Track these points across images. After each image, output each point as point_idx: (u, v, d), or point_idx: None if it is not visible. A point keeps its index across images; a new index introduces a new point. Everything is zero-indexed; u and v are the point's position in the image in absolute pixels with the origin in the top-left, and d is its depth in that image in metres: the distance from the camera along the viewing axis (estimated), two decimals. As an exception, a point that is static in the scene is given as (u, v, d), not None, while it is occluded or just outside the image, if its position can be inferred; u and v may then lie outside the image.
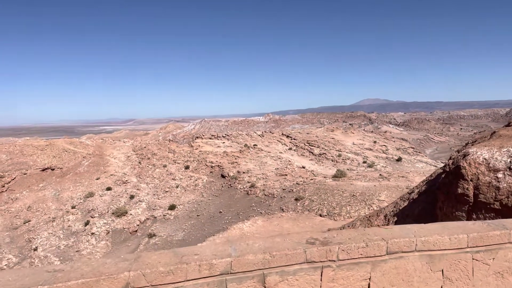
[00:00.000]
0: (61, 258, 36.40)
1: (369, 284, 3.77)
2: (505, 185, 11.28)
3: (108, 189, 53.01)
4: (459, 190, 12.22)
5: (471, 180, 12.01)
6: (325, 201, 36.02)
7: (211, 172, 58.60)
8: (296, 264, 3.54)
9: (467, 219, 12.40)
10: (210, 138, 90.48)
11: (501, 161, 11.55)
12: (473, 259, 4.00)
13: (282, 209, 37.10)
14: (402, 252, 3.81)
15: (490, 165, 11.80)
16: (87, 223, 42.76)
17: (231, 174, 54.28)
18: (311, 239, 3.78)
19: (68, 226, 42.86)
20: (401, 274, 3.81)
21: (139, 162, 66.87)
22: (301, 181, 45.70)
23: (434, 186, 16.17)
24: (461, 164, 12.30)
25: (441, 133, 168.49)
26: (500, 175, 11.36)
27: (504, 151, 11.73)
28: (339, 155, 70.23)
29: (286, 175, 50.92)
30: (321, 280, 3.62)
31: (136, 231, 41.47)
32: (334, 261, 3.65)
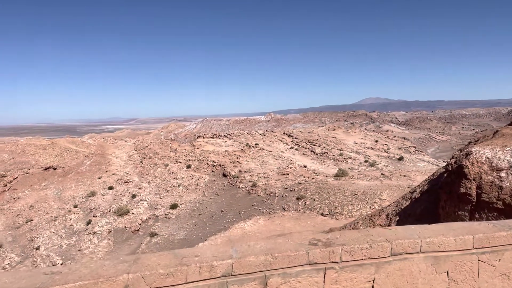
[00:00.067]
0: (63, 257, 36.44)
1: (373, 286, 3.70)
2: (508, 184, 11.20)
3: (110, 188, 53.04)
4: (462, 190, 12.14)
5: (473, 180, 11.93)
6: (326, 200, 35.93)
7: (212, 171, 58.57)
8: (299, 265, 3.48)
9: (470, 219, 12.33)
10: (211, 138, 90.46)
11: (504, 160, 11.46)
12: (478, 260, 3.93)
13: (284, 208, 37.03)
14: (407, 253, 3.74)
15: (493, 164, 11.71)
16: (89, 222, 42.79)
17: (233, 173, 54.25)
18: (314, 240, 3.71)
19: (70, 225, 42.90)
20: (406, 276, 3.74)
21: (141, 161, 66.89)
22: (302, 180, 45.62)
23: (437, 186, 16.08)
24: (464, 163, 12.22)
25: (442, 132, 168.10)
26: (503, 174, 11.28)
27: (507, 150, 11.64)
28: (341, 154, 70.11)
29: (288, 174, 50.84)
30: (324, 282, 3.55)
31: (138, 230, 41.47)
32: (337, 262, 3.58)
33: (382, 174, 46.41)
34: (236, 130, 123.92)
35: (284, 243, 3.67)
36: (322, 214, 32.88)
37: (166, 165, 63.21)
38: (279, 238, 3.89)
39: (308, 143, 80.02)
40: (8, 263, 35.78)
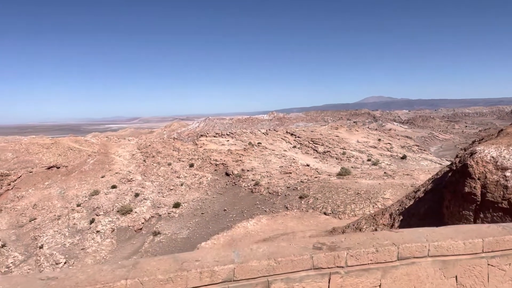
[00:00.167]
0: (67, 256, 36.50)
1: None
2: (514, 183, 11.06)
3: (113, 187, 53.09)
4: (466, 189, 12.00)
5: (478, 179, 11.80)
6: (329, 199, 35.79)
7: (215, 170, 58.53)
8: (303, 270, 3.36)
9: (475, 218, 12.20)
10: (214, 136, 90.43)
11: (509, 159, 11.32)
12: (488, 264, 3.81)
13: (287, 207, 36.93)
14: (414, 257, 3.62)
15: (498, 163, 11.57)
16: (92, 221, 42.83)
17: (236, 172, 54.17)
18: (318, 244, 3.60)
19: (74, 224, 42.96)
20: (413, 280, 3.62)
21: (144, 160, 66.94)
22: (305, 179, 45.48)
23: (441, 185, 15.95)
24: (468, 163, 12.08)
25: (445, 130, 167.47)
26: (508, 173, 11.13)
27: (513, 149, 11.50)
28: (344, 153, 69.90)
29: (291, 173, 50.72)
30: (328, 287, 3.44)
31: (141, 229, 41.48)
32: (342, 267, 3.46)
33: (385, 173, 46.20)
34: (239, 129, 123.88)
35: (288, 247, 3.56)
36: (325, 213, 32.76)
37: (169, 164, 63.21)
38: (282, 241, 3.77)
39: (310, 142, 79.83)
40: (12, 262, 35.89)
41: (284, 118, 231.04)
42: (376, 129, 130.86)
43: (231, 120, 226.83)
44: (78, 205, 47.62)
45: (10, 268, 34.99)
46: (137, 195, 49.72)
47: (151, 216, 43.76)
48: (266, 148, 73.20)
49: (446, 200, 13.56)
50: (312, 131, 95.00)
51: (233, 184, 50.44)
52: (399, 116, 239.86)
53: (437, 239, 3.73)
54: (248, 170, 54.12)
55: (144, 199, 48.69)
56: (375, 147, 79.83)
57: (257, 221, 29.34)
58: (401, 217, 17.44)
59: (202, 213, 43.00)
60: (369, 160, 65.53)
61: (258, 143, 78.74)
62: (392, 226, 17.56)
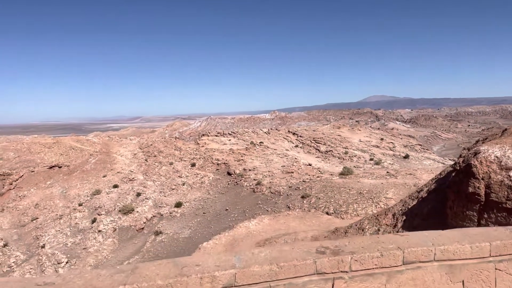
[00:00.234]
0: (68, 255, 36.52)
1: None
2: (518, 184, 10.95)
3: (115, 186, 53.11)
4: (470, 189, 11.91)
5: (482, 179, 11.70)
6: (331, 198, 35.69)
7: (217, 169, 58.47)
8: (306, 275, 3.27)
9: (478, 219, 12.10)
10: (216, 136, 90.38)
11: (514, 160, 11.23)
12: (496, 269, 3.71)
13: (289, 207, 36.84)
14: (420, 262, 3.53)
15: (502, 163, 11.47)
16: (94, 221, 42.85)
17: (237, 171, 54.10)
18: (321, 248, 3.51)
19: (75, 224, 42.99)
20: (419, 285, 3.53)
21: (146, 160, 66.94)
22: (307, 179, 45.37)
23: (444, 185, 15.84)
24: (472, 163, 11.99)
25: (448, 130, 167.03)
26: (513, 173, 11.04)
27: (517, 149, 11.38)
28: (346, 152, 69.74)
29: (293, 172, 50.61)
30: (332, 293, 3.35)
31: (142, 228, 41.48)
32: (346, 272, 3.38)
33: (387, 172, 46.05)
34: (241, 128, 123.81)
35: (290, 251, 3.47)
36: (327, 213, 32.66)
37: (171, 164, 63.19)
38: (284, 245, 3.71)
39: (313, 141, 79.69)
40: (13, 261, 35.94)
41: (286, 117, 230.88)
42: (378, 128, 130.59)
43: (233, 119, 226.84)
44: (80, 205, 47.65)
45: (12, 267, 35.04)
46: (138, 194, 49.71)
47: (153, 216, 43.75)
48: (268, 147, 73.10)
49: (449, 200, 13.46)
50: (314, 131, 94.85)
51: (235, 183, 50.38)
52: (401, 115, 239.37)
53: (443, 243, 3.64)
54: (250, 170, 54.04)
55: (145, 198, 48.68)
56: (378, 147, 79.62)
57: (259, 221, 29.27)
58: (404, 217, 17.35)
59: (204, 213, 42.96)
60: (371, 159, 65.34)
61: (260, 142, 78.64)
62: (395, 226, 17.46)
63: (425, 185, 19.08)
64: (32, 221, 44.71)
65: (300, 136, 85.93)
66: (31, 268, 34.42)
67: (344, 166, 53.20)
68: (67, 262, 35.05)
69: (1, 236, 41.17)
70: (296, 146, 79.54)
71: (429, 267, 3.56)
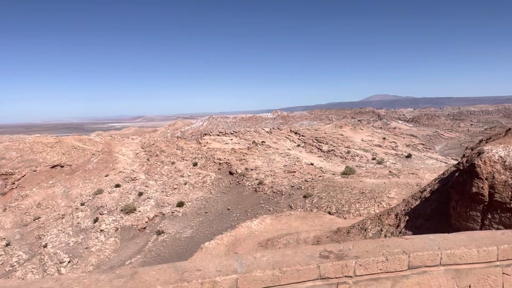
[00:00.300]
0: (71, 255, 36.57)
1: None
2: (523, 184, 10.86)
3: (117, 186, 53.15)
4: (474, 189, 11.82)
5: (486, 179, 11.60)
6: (334, 198, 35.60)
7: (219, 169, 58.44)
8: (309, 280, 3.20)
9: (482, 219, 12.01)
10: (218, 135, 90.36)
11: (518, 159, 11.13)
12: (503, 273, 3.63)
13: (291, 207, 36.78)
14: (426, 266, 3.45)
15: (506, 163, 11.37)
16: (96, 220, 42.89)
17: (239, 171, 54.05)
18: (325, 252, 3.44)
19: (78, 223, 43.04)
20: (424, 290, 3.46)
21: (148, 159, 66.96)
22: (309, 178, 45.28)
23: (447, 185, 15.74)
24: (476, 162, 11.89)
25: (451, 129, 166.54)
26: (517, 174, 10.94)
27: (522, 149, 11.28)
28: (348, 152, 69.58)
29: (295, 172, 50.52)
30: (336, 298, 3.28)
31: (144, 228, 41.49)
32: (350, 277, 3.30)
33: (390, 172, 45.91)
34: (243, 128, 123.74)
35: (293, 255, 3.40)
36: (329, 213, 32.57)
37: (173, 163, 63.19)
38: (287, 249, 3.62)
39: (315, 141, 79.55)
40: (16, 261, 36.01)
41: (288, 116, 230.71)
42: (381, 128, 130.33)
43: (235, 118, 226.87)
44: (82, 204, 47.71)
45: (15, 267, 35.11)
46: (140, 194, 49.74)
47: (155, 215, 43.76)
48: (270, 147, 73.03)
49: (453, 200, 13.38)
50: (316, 130, 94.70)
51: (237, 183, 50.34)
52: (404, 115, 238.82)
53: (449, 247, 3.56)
54: (252, 169, 53.98)
55: (147, 198, 48.69)
56: (380, 146, 79.41)
57: (261, 221, 29.21)
58: (407, 218, 17.26)
59: (205, 212, 42.94)
60: (374, 159, 65.16)
61: (262, 142, 78.57)
62: (398, 226, 17.38)
63: (428, 185, 18.98)
64: (34, 220, 44.79)
65: (302, 136, 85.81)
66: (33, 268, 34.47)
67: (346, 166, 53.08)
68: (69, 262, 35.10)
69: (4, 235, 41.26)
70: (298, 145, 79.43)
71: (435, 272, 3.48)
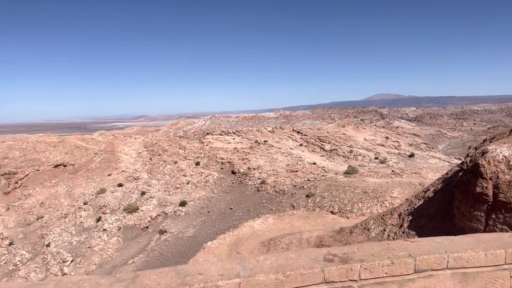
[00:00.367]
0: (73, 254, 36.65)
1: None
2: (528, 185, 10.76)
3: (120, 185, 53.22)
4: (478, 189, 11.72)
5: (490, 179, 11.51)
6: (336, 197, 35.51)
7: (221, 168, 58.42)
8: (313, 284, 3.13)
9: (486, 219, 11.92)
10: (220, 134, 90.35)
11: (523, 159, 11.04)
12: (511, 277, 3.56)
13: (293, 206, 36.71)
14: (432, 270, 3.38)
15: (511, 163, 11.27)
16: (99, 219, 42.98)
17: (242, 170, 54.01)
18: (329, 255, 3.38)
19: (80, 222, 43.14)
20: (431, 295, 3.39)
21: (150, 159, 67.02)
22: (312, 178, 45.19)
23: (451, 184, 15.64)
24: (480, 162, 11.79)
25: (454, 128, 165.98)
26: (522, 173, 10.84)
27: (527, 149, 11.18)
28: (351, 151, 69.42)
29: (297, 171, 50.44)
30: (340, 302, 3.22)
31: (147, 227, 41.53)
32: (355, 281, 3.24)
33: (392, 171, 45.75)
34: (245, 127, 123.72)
35: (297, 258, 3.34)
36: (332, 212, 32.49)
37: (175, 162, 63.22)
38: (291, 252, 3.57)
39: (317, 140, 79.41)
40: (19, 260, 36.12)
41: (290, 116, 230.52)
42: (383, 127, 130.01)
43: (237, 118, 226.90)
44: (85, 203, 47.81)
45: (18, 266, 35.22)
46: (143, 193, 49.79)
47: (158, 215, 43.80)
48: (272, 146, 72.94)
49: (456, 200, 13.28)
50: (318, 129, 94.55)
51: (239, 182, 50.31)
52: (406, 114, 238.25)
53: (456, 250, 3.49)
54: (254, 169, 53.93)
55: (150, 197, 48.74)
56: (383, 145, 79.20)
57: (264, 221, 29.17)
58: (410, 217, 17.17)
59: (208, 212, 42.94)
60: (376, 158, 64.99)
61: (264, 141, 78.50)
62: (401, 226, 17.29)
63: (431, 184, 18.87)
64: (37, 219, 44.92)
65: (305, 135, 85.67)
66: (36, 267, 34.56)
67: (349, 165, 52.95)
68: (72, 261, 35.18)
69: (7, 234, 41.41)
70: (301, 144, 79.31)
71: (441, 276, 3.41)
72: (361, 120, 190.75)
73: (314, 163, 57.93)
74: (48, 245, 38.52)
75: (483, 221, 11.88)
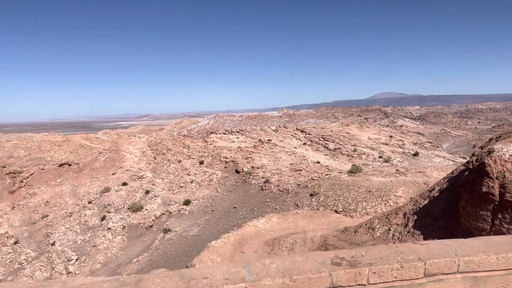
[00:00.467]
0: (78, 253, 36.80)
1: None
2: (536, 184, 10.63)
3: (124, 184, 53.37)
4: (484, 189, 11.61)
5: (496, 178, 11.39)
6: (340, 197, 35.39)
7: (225, 167, 58.43)
8: (320, 289, 3.07)
9: (492, 219, 11.81)
10: (224, 133, 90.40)
11: (530, 159, 10.91)
12: None
13: (297, 205, 36.63)
14: (442, 274, 3.30)
15: (517, 162, 11.15)
16: (103, 218, 43.12)
17: (246, 169, 53.99)
18: (337, 259, 3.31)
19: (85, 221, 43.31)
20: (441, 299, 3.31)
21: (154, 158, 67.17)
22: (316, 177, 45.09)
23: (457, 184, 15.51)
24: (486, 161, 11.67)
25: (458, 127, 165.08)
26: (529, 173, 10.72)
27: (534, 148, 11.05)
28: (355, 150, 69.24)
29: (301, 170, 50.35)
30: (348, 307, 3.15)
31: (151, 226, 41.62)
32: (364, 285, 3.16)
33: (397, 170, 45.56)
34: (249, 126, 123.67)
35: (303, 262, 3.27)
36: (336, 211, 32.39)
37: (179, 161, 63.32)
38: (297, 255, 3.50)
39: (321, 139, 79.26)
40: (24, 259, 36.29)
41: (294, 114, 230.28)
42: (387, 126, 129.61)
43: (241, 117, 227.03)
44: (90, 202, 47.99)
45: (23, 264, 35.39)
46: (147, 192, 49.90)
47: (162, 213, 43.88)
48: (276, 145, 72.87)
49: (462, 199, 13.17)
50: (322, 128, 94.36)
51: (243, 181, 50.29)
52: (410, 112, 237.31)
53: (467, 253, 3.40)
54: (258, 167, 53.90)
55: (154, 196, 48.84)
56: (387, 144, 78.93)
57: (268, 220, 29.12)
58: (415, 217, 17.05)
59: (212, 211, 42.96)
60: (380, 157, 64.78)
61: (268, 140, 78.45)
62: (406, 226, 17.18)
63: (436, 184, 18.74)
64: (42, 218, 45.13)
65: (308, 134, 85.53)
66: (41, 266, 34.71)
67: (353, 164, 52.81)
68: (77, 260, 35.31)
69: (12, 233, 41.62)
70: (304, 143, 79.19)
71: (451, 280, 3.33)
72: (365, 119, 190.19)
73: (318, 162, 57.81)
74: (53, 244, 38.69)
75: (489, 220, 11.77)
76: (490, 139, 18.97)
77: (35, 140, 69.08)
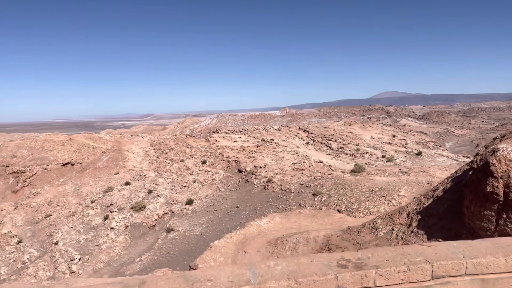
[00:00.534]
0: (81, 252, 36.87)
1: None
2: (541, 184, 10.54)
3: (127, 184, 53.44)
4: (488, 188, 11.51)
5: (501, 178, 11.29)
6: (343, 196, 35.27)
7: (228, 167, 58.40)
8: (326, 292, 3.02)
9: (497, 219, 11.71)
10: (226, 133, 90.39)
11: (535, 159, 10.81)
12: None
13: (300, 205, 36.54)
14: (450, 276, 3.24)
15: (522, 162, 11.05)
16: (106, 218, 43.19)
17: (248, 169, 53.94)
18: (343, 261, 3.25)
19: (88, 221, 43.39)
20: (448, 302, 3.26)
21: (157, 157, 67.23)
22: (318, 176, 44.98)
23: (461, 183, 15.41)
24: (490, 161, 11.57)
25: (461, 126, 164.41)
26: (534, 173, 10.63)
27: (540, 148, 10.96)
28: (357, 150, 69.03)
29: (304, 170, 50.24)
30: (354, 310, 3.10)
31: (154, 225, 41.65)
32: (370, 288, 3.12)
33: (400, 169, 45.38)
34: (251, 126, 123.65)
35: (309, 264, 3.22)
36: (339, 211, 32.28)
37: (182, 161, 63.35)
38: (302, 257, 3.47)
39: (324, 138, 79.10)
40: (27, 258, 36.40)
41: (296, 114, 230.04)
42: (390, 125, 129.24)
43: (244, 116, 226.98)
44: (93, 202, 48.09)
45: (26, 264, 35.49)
46: (150, 191, 49.95)
47: (164, 213, 43.91)
48: (278, 144, 72.78)
49: (466, 199, 13.08)
50: (325, 127, 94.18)
51: (246, 181, 50.24)
52: (413, 112, 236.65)
53: (475, 255, 3.35)
54: (260, 167, 53.83)
55: (157, 195, 48.88)
56: (390, 143, 78.66)
57: (271, 219, 29.06)
58: (419, 217, 16.96)
59: (215, 210, 42.94)
60: (383, 156, 64.55)
61: (271, 139, 78.37)
62: (409, 225, 17.09)
63: (440, 183, 18.63)
64: (45, 218, 45.25)
65: (311, 133, 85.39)
66: (44, 265, 34.80)
67: (356, 163, 52.64)
68: (80, 259, 35.38)
69: (16, 232, 41.76)
70: (307, 143, 79.05)
71: (459, 282, 3.27)
72: (368, 118, 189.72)
73: (321, 162, 57.68)
74: (56, 243, 38.79)
75: (494, 220, 11.68)
76: (494, 139, 18.84)
77: (38, 140, 69.27)
